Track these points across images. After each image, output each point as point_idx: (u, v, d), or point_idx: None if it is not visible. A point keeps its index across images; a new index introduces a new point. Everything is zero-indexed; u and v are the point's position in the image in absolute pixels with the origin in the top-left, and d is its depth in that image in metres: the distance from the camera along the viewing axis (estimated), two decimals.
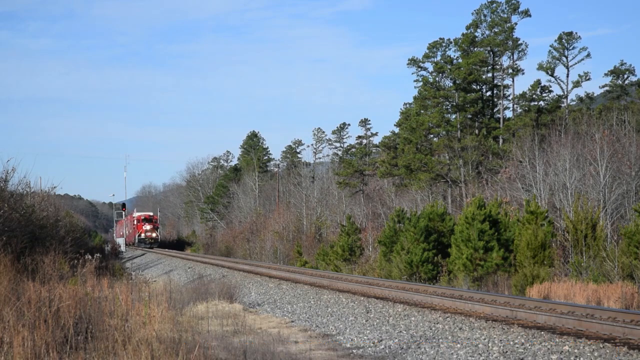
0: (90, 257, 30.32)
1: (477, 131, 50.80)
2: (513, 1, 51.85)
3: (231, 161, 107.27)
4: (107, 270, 29.42)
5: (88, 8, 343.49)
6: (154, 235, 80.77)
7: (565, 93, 51.82)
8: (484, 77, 52.00)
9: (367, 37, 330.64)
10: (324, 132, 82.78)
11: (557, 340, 13.05)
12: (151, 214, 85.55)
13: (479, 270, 28.07)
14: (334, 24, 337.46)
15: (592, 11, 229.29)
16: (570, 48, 51.07)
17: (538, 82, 50.84)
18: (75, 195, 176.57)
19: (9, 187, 27.77)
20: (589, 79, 51.42)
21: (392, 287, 22.97)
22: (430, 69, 53.49)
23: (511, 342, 13.23)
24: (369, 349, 14.11)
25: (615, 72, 54.62)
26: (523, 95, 51.45)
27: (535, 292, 22.58)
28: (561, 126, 44.60)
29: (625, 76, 54.64)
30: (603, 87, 55.75)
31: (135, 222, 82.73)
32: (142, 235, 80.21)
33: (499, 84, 53.33)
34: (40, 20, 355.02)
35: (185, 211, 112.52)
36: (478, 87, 52.62)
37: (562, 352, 12.20)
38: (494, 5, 52.20)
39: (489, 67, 52.43)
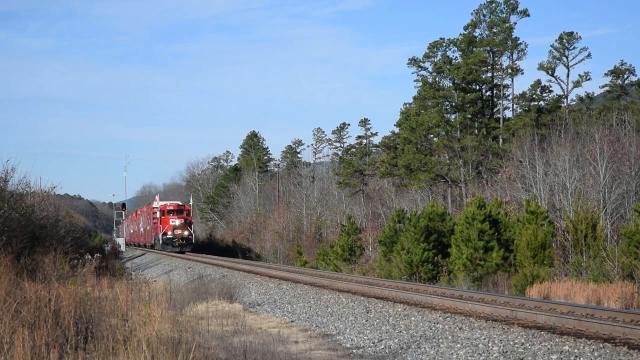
0: (90, 257, 30.38)
1: (476, 131, 50.83)
2: (512, 1, 51.88)
3: (231, 161, 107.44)
4: (107, 270, 29.44)
5: (88, 8, 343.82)
6: (185, 233, 57.82)
7: (566, 93, 51.87)
8: (483, 77, 52.04)
9: (367, 37, 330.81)
10: (324, 132, 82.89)
11: (557, 340, 13.05)
12: (180, 203, 62.22)
13: (479, 270, 28.07)
14: (334, 24, 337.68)
15: (593, 11, 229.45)
16: (571, 48, 51.13)
17: (538, 82, 50.89)
18: (75, 195, 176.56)
19: (9, 187, 27.78)
20: (589, 79, 51.53)
21: (392, 287, 22.97)
22: (431, 69, 53.55)
23: (511, 342, 13.23)
24: (369, 348, 14.11)
25: (615, 72, 54.64)
26: (523, 95, 51.50)
27: (535, 292, 22.58)
28: (561, 126, 44.60)
29: (625, 76, 54.67)
30: (603, 87, 55.82)
31: (158, 215, 59.20)
32: (169, 234, 57.34)
33: (499, 83, 53.36)
34: (40, 20, 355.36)
35: None
36: (477, 87, 52.66)
37: (562, 352, 12.20)
38: (493, 5, 52.23)
39: (489, 67, 52.46)
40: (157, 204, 60.74)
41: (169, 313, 14.62)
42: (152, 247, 63.18)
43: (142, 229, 71.92)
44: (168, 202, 61.66)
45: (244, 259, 58.65)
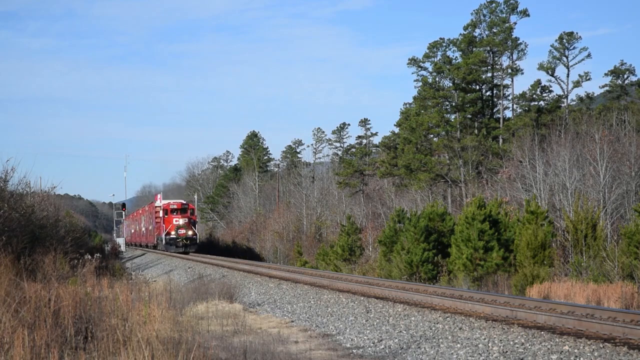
0: (90, 257, 30.39)
1: (476, 131, 50.86)
2: (511, 1, 51.92)
3: (231, 161, 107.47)
4: (107, 270, 29.44)
5: (88, 8, 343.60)
6: (190, 233, 55.32)
7: (566, 93, 51.92)
8: (483, 77, 52.07)
9: (367, 37, 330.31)
10: (324, 132, 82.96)
11: (557, 340, 13.05)
12: (184, 202, 59.33)
13: (479, 270, 28.08)
14: (334, 24, 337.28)
15: (593, 11, 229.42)
16: (571, 48, 51.19)
17: (538, 82, 50.94)
18: (75, 195, 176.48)
19: (9, 187, 27.77)
20: (589, 79, 51.60)
21: (392, 287, 22.97)
22: (431, 69, 53.58)
23: (511, 342, 13.23)
24: (369, 348, 14.11)
25: (615, 72, 54.67)
26: (523, 95, 51.55)
27: (535, 292, 22.58)
28: (561, 126, 44.63)
29: (625, 76, 54.71)
30: (603, 87, 55.87)
31: (161, 215, 56.76)
32: (173, 234, 54.89)
33: (499, 83, 53.39)
34: (40, 20, 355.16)
35: None
36: (477, 87, 52.68)
37: (562, 352, 12.19)
38: (493, 5, 52.26)
39: (489, 67, 52.49)
40: (160, 202, 58.02)
41: (169, 313, 14.63)
42: (155, 247, 60.76)
43: (143, 229, 69.54)
44: (171, 201, 59.01)
45: (244, 258, 58.46)
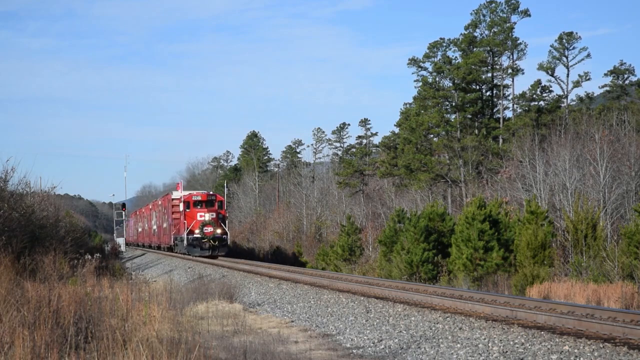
0: (90, 257, 30.42)
1: (477, 131, 50.86)
2: (512, 1, 51.92)
3: (231, 161, 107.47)
4: (107, 270, 29.44)
5: (88, 8, 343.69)
6: (219, 231, 43.90)
7: (565, 93, 51.92)
8: (483, 77, 52.08)
9: (367, 37, 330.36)
10: (324, 132, 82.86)
11: (557, 340, 13.05)
12: (210, 192, 49.46)
13: (479, 270, 28.09)
14: (334, 24, 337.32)
15: (593, 11, 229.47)
16: (571, 48, 51.20)
17: (538, 82, 50.94)
18: (75, 195, 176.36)
19: (9, 187, 27.80)
20: (589, 79, 51.61)
21: (392, 287, 22.96)
22: (431, 69, 53.58)
23: (511, 342, 13.23)
24: (369, 348, 14.11)
25: (615, 72, 54.69)
26: (523, 95, 51.56)
27: (535, 292, 22.59)
28: (561, 126, 44.64)
29: (625, 76, 54.73)
30: (603, 87, 55.89)
31: (181, 208, 45.10)
32: (197, 233, 43.48)
33: (499, 83, 53.39)
34: (40, 20, 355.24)
35: None
36: (477, 87, 52.68)
37: (562, 352, 12.19)
38: (493, 5, 52.27)
39: (489, 67, 52.50)
40: (180, 193, 46.68)
41: (169, 313, 14.64)
42: (170, 249, 49.99)
43: (155, 227, 58.49)
44: (194, 192, 47.98)
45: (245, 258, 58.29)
